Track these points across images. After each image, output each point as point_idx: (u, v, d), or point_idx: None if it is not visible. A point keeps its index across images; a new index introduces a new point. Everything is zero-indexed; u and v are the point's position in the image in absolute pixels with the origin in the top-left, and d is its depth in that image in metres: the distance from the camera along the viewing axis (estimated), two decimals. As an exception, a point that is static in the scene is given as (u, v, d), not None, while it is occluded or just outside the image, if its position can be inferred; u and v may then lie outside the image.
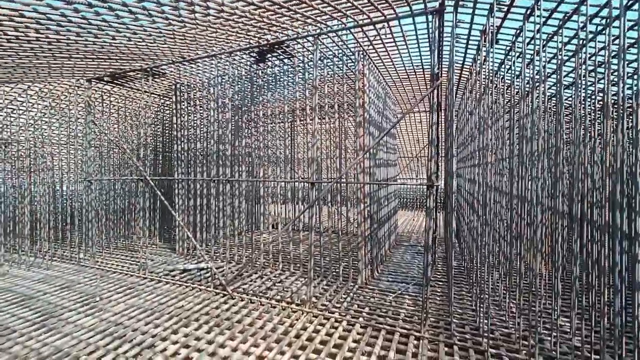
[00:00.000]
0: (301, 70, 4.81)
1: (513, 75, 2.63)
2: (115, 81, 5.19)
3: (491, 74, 2.59)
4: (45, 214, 5.39)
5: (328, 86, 5.83)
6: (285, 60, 4.45)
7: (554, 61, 3.28)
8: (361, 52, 3.69)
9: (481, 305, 2.77)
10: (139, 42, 3.24)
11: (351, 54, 4.09)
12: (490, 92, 2.78)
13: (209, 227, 5.39)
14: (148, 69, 4.59)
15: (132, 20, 2.47)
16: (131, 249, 5.70)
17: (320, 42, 3.52)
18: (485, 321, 2.48)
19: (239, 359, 2.29)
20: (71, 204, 6.02)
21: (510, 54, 2.84)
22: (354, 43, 3.79)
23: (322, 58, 4.15)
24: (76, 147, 6.34)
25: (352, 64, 4.45)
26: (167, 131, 7.11)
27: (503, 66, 3.20)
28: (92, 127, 5.16)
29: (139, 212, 6.16)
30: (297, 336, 2.62)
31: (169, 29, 2.87)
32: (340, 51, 4.05)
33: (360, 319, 2.88)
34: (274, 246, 5.63)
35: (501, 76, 2.98)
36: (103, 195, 5.88)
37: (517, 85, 2.70)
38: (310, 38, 3.39)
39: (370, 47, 3.80)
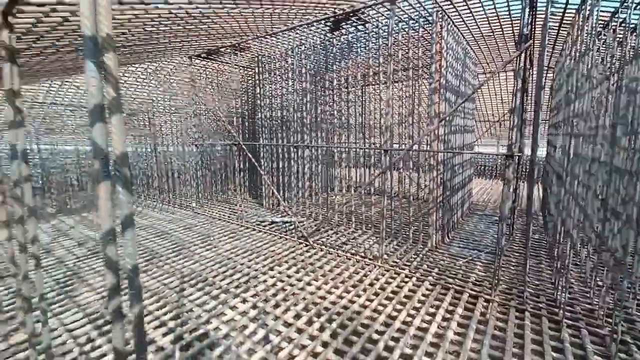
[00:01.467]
0: (374, 36, 4.77)
1: (627, 30, 2.31)
2: (209, 57, 5.91)
3: (598, 29, 2.31)
4: (167, 171, 6.75)
5: (402, 50, 5.63)
6: (359, 27, 4.47)
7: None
8: (439, 13, 3.52)
9: (561, 280, 2.68)
10: (233, 23, 3.69)
11: (428, 15, 3.90)
12: (597, 48, 2.48)
13: (290, 187, 6.08)
14: (236, 45, 5.12)
15: (233, 7, 2.87)
16: (228, 202, 6.81)
17: (397, 6, 3.47)
18: (564, 294, 2.46)
19: (322, 296, 2.82)
20: (184, 164, 7.35)
21: (625, 3, 2.44)
22: (432, 2, 3.61)
23: (397, 22, 4.06)
24: (182, 116, 7.53)
25: (430, 25, 4.24)
26: (250, 100, 7.86)
27: (615, 18, 2.75)
28: (195, 99, 6.09)
29: (232, 172, 7.21)
30: (371, 284, 3.04)
31: (259, 11, 3.21)
32: (416, 13, 3.90)
33: (430, 277, 3.12)
34: (347, 207, 6.09)
35: (611, 30, 2.59)
36: (205, 157, 7.02)
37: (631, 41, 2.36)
38: (387, 4, 3.37)
39: (450, 5, 3.58)
